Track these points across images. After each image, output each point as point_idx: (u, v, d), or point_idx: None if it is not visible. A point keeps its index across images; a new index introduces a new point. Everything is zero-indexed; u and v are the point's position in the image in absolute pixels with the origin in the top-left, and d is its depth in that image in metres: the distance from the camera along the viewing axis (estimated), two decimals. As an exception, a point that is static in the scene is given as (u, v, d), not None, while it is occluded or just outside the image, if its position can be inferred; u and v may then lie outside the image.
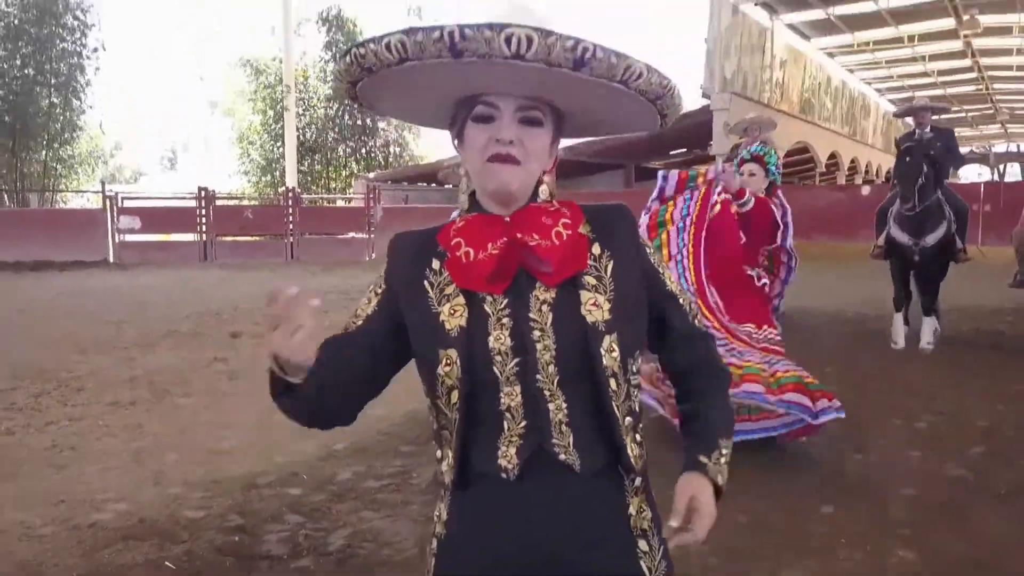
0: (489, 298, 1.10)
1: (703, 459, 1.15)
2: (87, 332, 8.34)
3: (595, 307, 1.10)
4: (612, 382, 1.09)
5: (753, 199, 4.16)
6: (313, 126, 25.63)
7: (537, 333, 1.09)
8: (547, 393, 1.08)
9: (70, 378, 6.08)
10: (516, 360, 1.08)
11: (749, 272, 4.28)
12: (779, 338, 4.20)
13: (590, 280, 1.11)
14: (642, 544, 1.13)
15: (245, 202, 22.35)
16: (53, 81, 19.86)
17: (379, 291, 1.19)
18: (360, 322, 1.18)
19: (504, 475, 1.09)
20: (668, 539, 1.13)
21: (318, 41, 25.67)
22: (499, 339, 1.09)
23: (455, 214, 1.43)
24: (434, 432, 1.17)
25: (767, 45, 19.91)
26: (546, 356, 1.08)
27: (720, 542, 2.99)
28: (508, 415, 1.09)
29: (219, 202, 19.12)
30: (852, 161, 26.09)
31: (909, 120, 9.19)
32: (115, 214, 17.69)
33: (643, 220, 4.06)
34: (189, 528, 3.20)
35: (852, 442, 4.18)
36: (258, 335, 7.97)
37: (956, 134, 7.38)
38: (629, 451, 1.11)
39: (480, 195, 1.16)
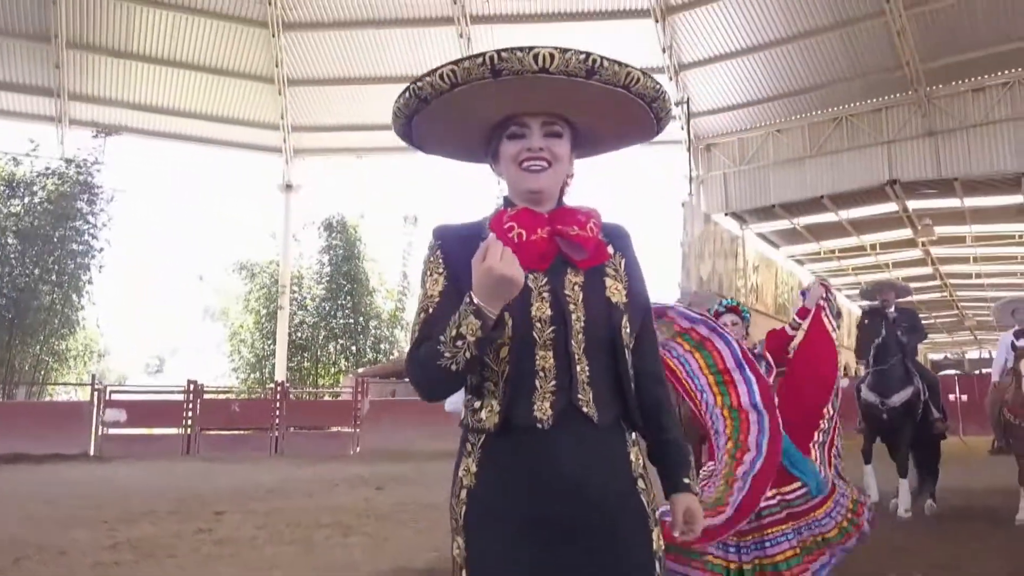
0: (531, 275, 1.35)
1: (686, 480, 1.43)
2: (68, 512, 8.19)
3: (616, 292, 1.39)
4: (626, 351, 1.36)
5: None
6: (305, 325, 26.28)
7: (572, 307, 1.35)
8: (576, 356, 1.33)
9: (50, 545, 5.96)
10: (552, 328, 1.34)
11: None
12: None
13: (610, 271, 1.41)
14: (640, 483, 1.37)
15: (232, 396, 22.39)
16: (55, 279, 20.59)
17: (440, 270, 1.43)
18: (438, 298, 1.41)
19: (540, 425, 1.31)
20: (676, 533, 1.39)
21: (315, 244, 27.01)
22: (540, 309, 1.34)
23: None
24: (474, 388, 1.37)
25: (739, 250, 21.20)
26: (577, 326, 1.34)
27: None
28: (540, 374, 1.33)
29: (207, 395, 19.18)
30: (829, 362, 26.73)
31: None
32: (101, 407, 17.65)
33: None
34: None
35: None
36: (243, 512, 7.89)
37: (929, 338, 7.98)
38: (636, 408, 1.37)
39: (515, 198, 1.44)
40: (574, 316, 1.35)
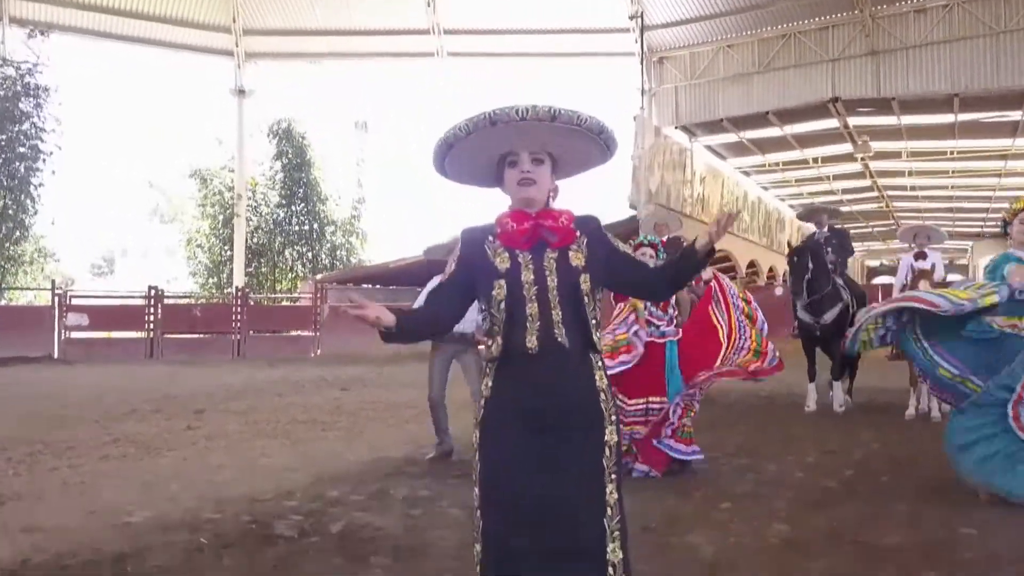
0: (521, 253, 2.06)
1: (695, 246, 2.13)
2: (51, 411, 8.73)
3: (577, 259, 2.06)
4: (586, 299, 2.04)
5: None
6: (261, 230, 26.45)
7: (547, 272, 2.04)
8: (552, 304, 2.02)
9: (55, 442, 6.53)
10: (536, 287, 2.03)
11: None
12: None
13: (574, 247, 2.08)
14: (602, 396, 2.06)
15: (192, 301, 22.75)
16: (6, 183, 20.36)
17: (457, 258, 2.14)
18: (447, 279, 2.15)
19: (531, 351, 2.00)
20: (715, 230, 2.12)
21: (267, 151, 26.85)
22: (527, 275, 2.04)
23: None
24: (486, 332, 2.10)
25: (687, 163, 21.90)
26: (552, 284, 2.03)
27: (639, 522, 3.83)
28: (530, 317, 2.02)
29: (168, 300, 19.55)
30: (770, 269, 28.09)
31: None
32: (63, 311, 17.93)
33: None
34: (211, 523, 3.88)
35: (751, 468, 5.10)
36: (221, 411, 8.56)
37: (865, 248, 8.95)
38: (595, 338, 2.06)
39: (515, 206, 2.12)
40: (549, 278, 2.03)
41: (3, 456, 5.87)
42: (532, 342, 1.99)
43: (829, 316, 7.67)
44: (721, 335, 5.10)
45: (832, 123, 20.11)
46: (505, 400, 2.02)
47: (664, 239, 7.69)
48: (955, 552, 3.41)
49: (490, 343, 2.06)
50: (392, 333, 2.05)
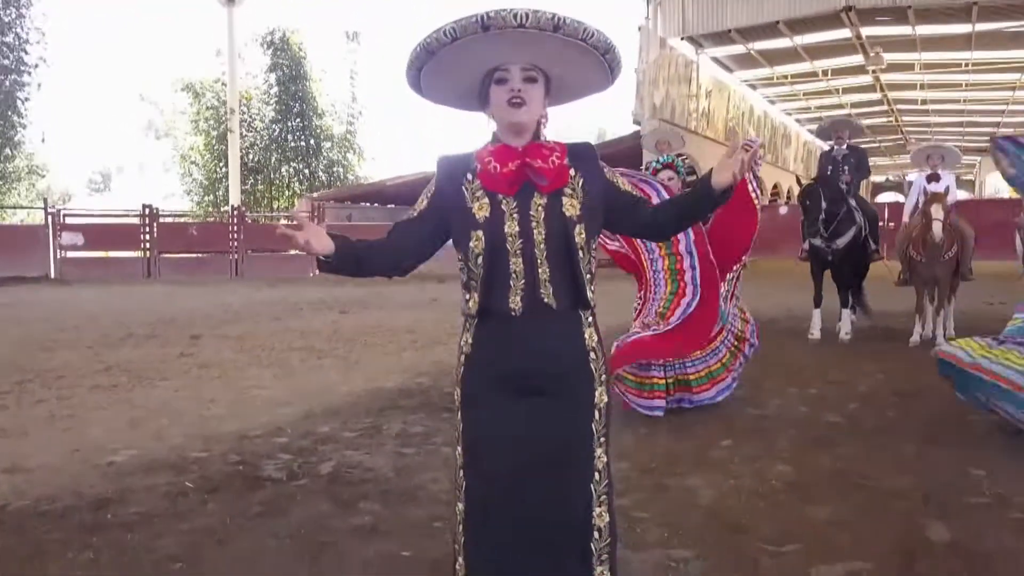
0: (504, 199, 1.79)
1: (712, 181, 1.85)
2: (45, 335, 8.65)
3: (571, 207, 1.79)
4: (580, 252, 1.78)
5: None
6: (256, 147, 25.90)
7: (534, 223, 1.78)
8: (539, 261, 1.77)
9: (45, 370, 6.44)
10: (521, 240, 1.77)
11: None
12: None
13: (568, 191, 1.80)
14: (592, 355, 1.84)
15: (189, 220, 22.49)
16: (-9, 96, 19.83)
17: (430, 194, 1.86)
18: (415, 214, 1.87)
19: (513, 312, 1.78)
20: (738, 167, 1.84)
21: (261, 64, 26.03)
22: (511, 226, 1.77)
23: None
24: (463, 283, 1.84)
25: (693, 76, 21.22)
26: (539, 238, 1.77)
27: (638, 463, 3.73)
28: (513, 275, 1.78)
29: (163, 219, 19.29)
30: (775, 186, 27.64)
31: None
32: (57, 230, 17.72)
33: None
34: (198, 463, 3.78)
35: (752, 402, 4.98)
36: (217, 337, 8.47)
37: (872, 163, 8.51)
38: (588, 295, 1.82)
39: (500, 133, 1.83)
40: (535, 231, 1.75)
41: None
42: (515, 302, 1.77)
43: (842, 241, 7.38)
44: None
45: (844, 33, 19.35)
46: (487, 360, 1.82)
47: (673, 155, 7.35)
48: (963, 495, 3.31)
49: (467, 297, 1.82)
50: (329, 263, 1.80)
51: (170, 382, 5.93)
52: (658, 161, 5.07)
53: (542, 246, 1.77)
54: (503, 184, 1.78)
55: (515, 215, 1.78)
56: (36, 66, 20.10)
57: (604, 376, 1.87)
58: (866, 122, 29.85)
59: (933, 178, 7.15)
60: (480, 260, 1.77)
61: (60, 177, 45.67)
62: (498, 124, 1.84)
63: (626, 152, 19.47)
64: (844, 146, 7.75)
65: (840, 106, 27.36)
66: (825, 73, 23.54)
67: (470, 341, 1.84)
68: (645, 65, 18.47)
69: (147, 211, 18.45)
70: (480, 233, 1.77)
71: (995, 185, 33.75)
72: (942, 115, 29.56)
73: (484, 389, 1.82)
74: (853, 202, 7.52)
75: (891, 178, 43.17)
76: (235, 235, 18.95)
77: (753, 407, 4.90)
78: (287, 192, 26.30)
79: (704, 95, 22.20)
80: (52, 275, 17.64)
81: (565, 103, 1.96)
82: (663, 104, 19.31)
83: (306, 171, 26.39)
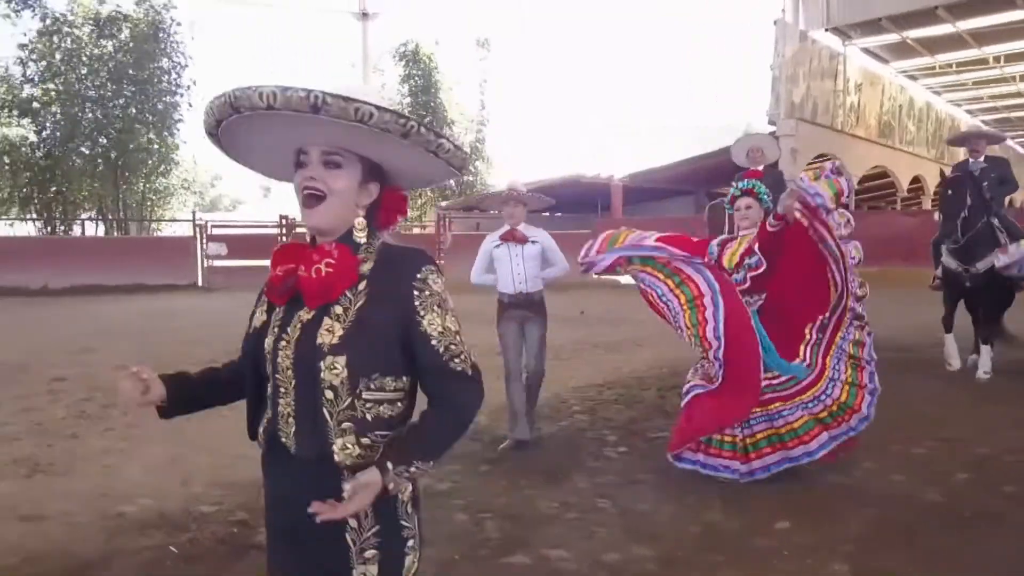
0: (276, 309, 1.45)
1: (389, 465, 1.32)
2: (160, 350, 9.07)
3: (328, 332, 1.36)
4: (329, 392, 1.35)
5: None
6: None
7: (283, 343, 1.40)
8: (282, 390, 1.41)
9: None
10: (271, 363, 1.42)
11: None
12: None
13: (337, 310, 1.37)
14: (352, 521, 1.37)
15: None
16: (151, 119, 21.44)
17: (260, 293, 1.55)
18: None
19: (259, 447, 1.47)
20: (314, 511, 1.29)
21: (395, 74, 26.71)
22: (268, 344, 1.43)
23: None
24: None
25: (840, 69, 19.65)
26: (286, 363, 1.39)
27: (663, 548, 3.21)
28: (268, 401, 1.45)
29: (299, 230, 20.13)
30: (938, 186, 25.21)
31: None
32: (203, 241, 18.88)
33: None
34: (199, 520, 3.64)
35: (836, 464, 4.21)
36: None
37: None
38: (340, 449, 1.36)
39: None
40: (282, 353, 1.39)
41: (76, 409, 6.01)
42: (260, 437, 1.48)
43: (982, 265, 6.37)
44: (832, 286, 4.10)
45: (1018, 15, 17.22)
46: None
47: (760, 168, 6.56)
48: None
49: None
50: (167, 409, 1.54)
51: (234, 409, 5.92)
52: (737, 188, 4.39)
53: (289, 372, 1.39)
54: (274, 292, 1.45)
55: (275, 330, 1.43)
56: (188, 88, 21.58)
57: (369, 553, 1.40)
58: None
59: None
60: (248, 378, 1.49)
61: (231, 184, 49.35)
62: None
63: (724, 165, 18.30)
64: (981, 158, 6.66)
65: (1019, 94, 24.52)
66: (997, 59, 21.11)
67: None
68: (782, 60, 17.25)
69: (284, 221, 19.28)
70: (244, 346, 1.49)
71: None
72: None
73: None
74: (996, 222, 6.45)
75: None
76: (365, 244, 19.46)
77: (835, 472, 4.18)
78: (419, 201, 26.83)
79: (853, 89, 20.52)
80: (199, 283, 18.81)
81: (409, 187, 1.54)
82: (803, 101, 17.98)
83: (438, 180, 26.83)
